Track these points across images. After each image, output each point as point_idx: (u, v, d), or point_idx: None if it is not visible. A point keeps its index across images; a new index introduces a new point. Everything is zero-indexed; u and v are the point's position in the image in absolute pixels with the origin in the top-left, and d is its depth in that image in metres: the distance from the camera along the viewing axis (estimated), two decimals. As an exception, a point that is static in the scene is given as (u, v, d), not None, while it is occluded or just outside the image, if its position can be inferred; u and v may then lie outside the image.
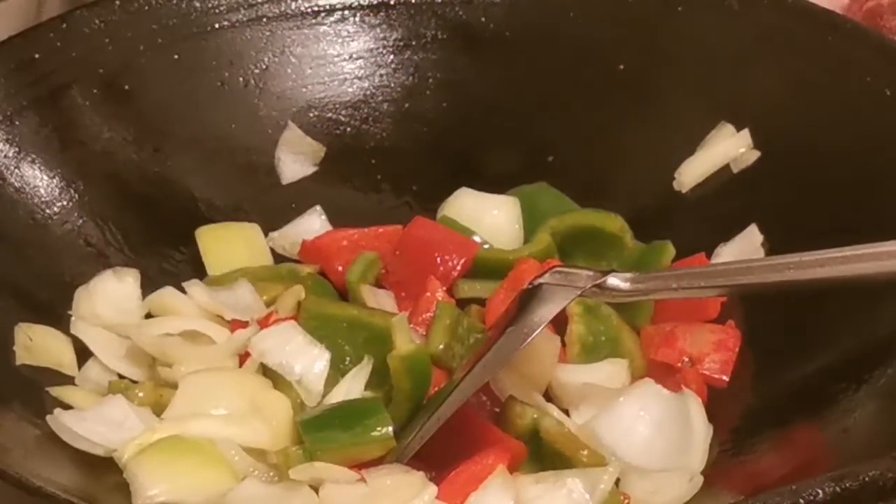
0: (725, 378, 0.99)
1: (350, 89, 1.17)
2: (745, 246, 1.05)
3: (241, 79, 1.15)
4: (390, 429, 0.93)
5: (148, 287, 1.06)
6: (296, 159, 1.15)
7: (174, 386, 0.98)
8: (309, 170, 1.16)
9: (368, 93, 1.17)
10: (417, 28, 1.17)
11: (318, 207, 1.14)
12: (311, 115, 1.16)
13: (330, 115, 1.17)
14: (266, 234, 1.13)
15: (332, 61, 1.17)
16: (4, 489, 0.83)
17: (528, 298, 0.93)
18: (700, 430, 0.94)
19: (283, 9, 1.16)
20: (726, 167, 1.09)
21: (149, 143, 1.12)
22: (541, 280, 0.94)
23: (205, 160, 1.13)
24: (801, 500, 0.77)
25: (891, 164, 1.01)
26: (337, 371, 0.99)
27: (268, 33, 1.16)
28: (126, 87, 1.12)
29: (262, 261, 1.11)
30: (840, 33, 1.08)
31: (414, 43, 1.17)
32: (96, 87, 1.11)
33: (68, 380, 1.00)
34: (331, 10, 1.17)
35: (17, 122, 1.07)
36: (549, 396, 0.99)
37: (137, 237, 1.09)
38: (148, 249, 1.09)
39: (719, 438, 0.95)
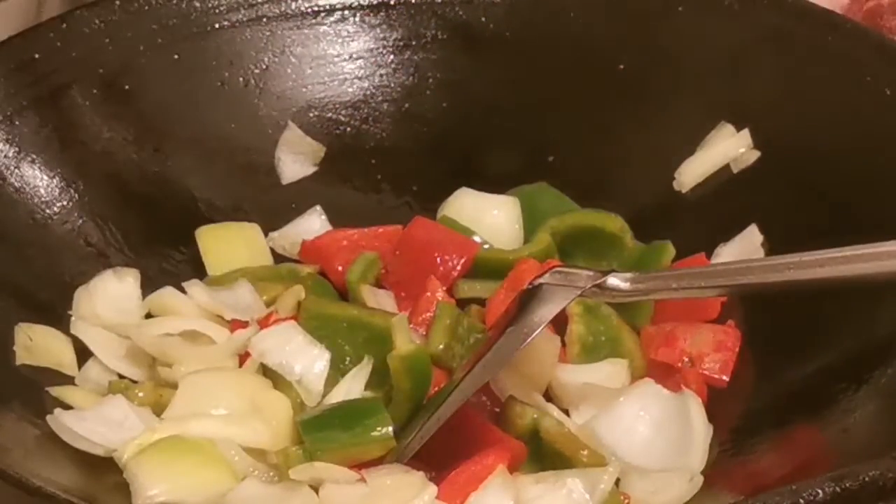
0: (725, 378, 0.99)
1: (350, 89, 1.17)
2: (745, 246, 1.05)
3: (241, 79, 1.15)
4: (390, 429, 0.93)
5: (148, 287, 1.06)
6: (296, 159, 1.15)
7: (174, 386, 0.98)
8: (309, 170, 1.16)
9: (368, 93, 1.17)
10: (417, 28, 1.17)
11: (318, 207, 1.14)
12: (311, 115, 1.16)
13: (330, 115, 1.17)
14: (266, 234, 1.13)
15: (332, 61, 1.17)
16: (4, 489, 0.83)
17: (528, 298, 0.93)
18: (700, 430, 0.94)
19: (283, 9, 1.16)
20: (726, 167, 1.09)
21: (149, 143, 1.12)
22: (541, 280, 0.94)
23: (205, 160, 1.13)
24: (801, 500, 0.77)
25: (891, 164, 1.01)
26: (337, 371, 0.99)
27: (268, 33, 1.16)
28: (126, 87, 1.12)
29: (262, 261, 1.11)
30: (840, 33, 1.08)
31: (414, 43, 1.17)
32: (96, 87, 1.11)
33: (68, 380, 1.00)
34: (331, 10, 1.17)
35: (17, 122, 1.07)
36: (549, 396, 0.99)
37: (137, 237, 1.09)
38: (148, 249, 1.09)
39: (719, 438, 0.95)
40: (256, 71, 1.15)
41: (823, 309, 0.96)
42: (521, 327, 0.92)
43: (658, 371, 0.99)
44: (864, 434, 0.88)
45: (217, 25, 1.15)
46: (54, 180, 1.08)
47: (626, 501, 0.90)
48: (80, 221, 1.08)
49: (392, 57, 1.17)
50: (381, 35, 1.17)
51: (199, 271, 1.09)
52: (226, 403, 0.96)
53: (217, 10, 1.15)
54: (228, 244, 1.11)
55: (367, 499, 0.89)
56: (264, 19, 1.16)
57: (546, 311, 0.92)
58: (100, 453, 0.92)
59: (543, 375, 0.99)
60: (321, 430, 0.93)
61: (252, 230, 1.12)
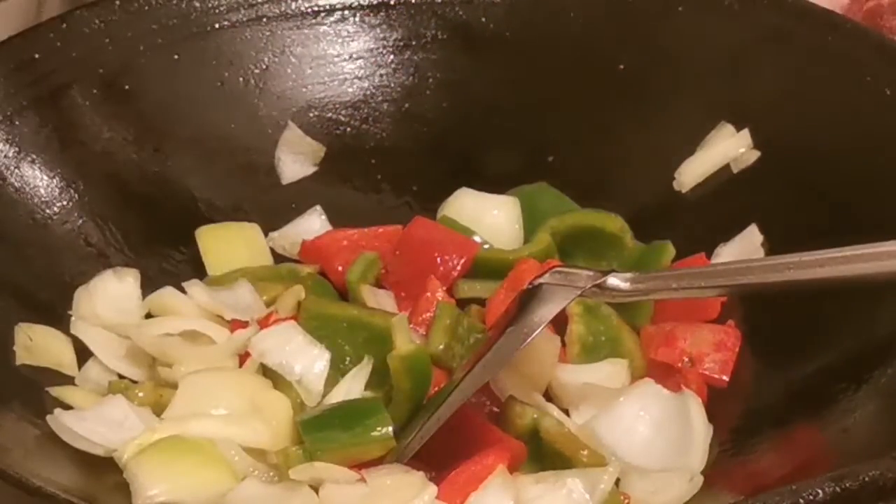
0: (725, 378, 0.99)
1: (350, 89, 1.17)
2: (745, 246, 1.05)
3: (241, 79, 1.15)
4: (390, 429, 0.93)
5: (148, 287, 1.06)
6: (296, 159, 1.15)
7: (174, 386, 0.98)
8: (309, 170, 1.16)
9: (368, 93, 1.17)
10: (417, 28, 1.17)
11: (318, 207, 1.14)
12: (311, 115, 1.16)
13: (330, 115, 1.17)
14: (266, 234, 1.13)
15: (332, 61, 1.17)
16: (4, 489, 0.83)
17: (528, 298, 0.93)
18: (700, 430, 0.94)
19: (283, 9, 1.16)
20: (726, 167, 1.09)
21: (149, 143, 1.12)
22: (541, 280, 0.94)
23: (205, 160, 1.13)
24: (801, 500, 0.77)
25: (891, 164, 1.01)
26: (337, 371, 0.99)
27: (268, 33, 1.16)
28: (126, 87, 1.12)
29: (262, 261, 1.11)
30: (840, 33, 1.08)
31: (414, 43, 1.17)
32: (96, 87, 1.11)
33: (68, 380, 1.00)
34: (331, 10, 1.17)
35: (17, 122, 1.07)
36: (549, 396, 0.99)
37: (137, 237, 1.09)
38: (148, 249, 1.09)
39: (719, 438, 0.95)
40: (256, 71, 1.15)
41: (823, 309, 0.96)
42: (521, 327, 0.92)
43: (658, 371, 0.99)
44: (864, 434, 0.88)
45: (217, 25, 1.15)
46: (54, 180, 1.08)
47: (626, 501, 0.90)
48: (80, 221, 1.08)
49: (392, 57, 1.17)
50: (381, 35, 1.17)
51: (199, 271, 1.09)
52: (226, 403, 0.96)
53: (217, 10, 1.15)
54: (228, 244, 1.11)
55: (367, 499, 0.89)
56: (264, 19, 1.16)
57: (546, 311, 0.92)
58: (100, 453, 0.92)
59: (543, 375, 0.99)
60: (321, 430, 0.93)
61: (252, 230, 1.12)
